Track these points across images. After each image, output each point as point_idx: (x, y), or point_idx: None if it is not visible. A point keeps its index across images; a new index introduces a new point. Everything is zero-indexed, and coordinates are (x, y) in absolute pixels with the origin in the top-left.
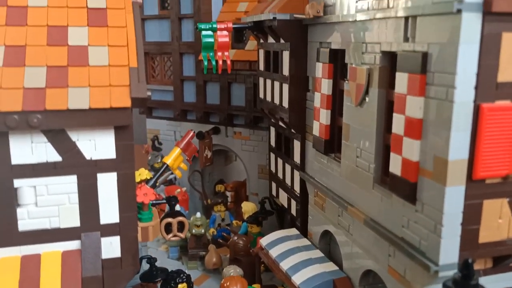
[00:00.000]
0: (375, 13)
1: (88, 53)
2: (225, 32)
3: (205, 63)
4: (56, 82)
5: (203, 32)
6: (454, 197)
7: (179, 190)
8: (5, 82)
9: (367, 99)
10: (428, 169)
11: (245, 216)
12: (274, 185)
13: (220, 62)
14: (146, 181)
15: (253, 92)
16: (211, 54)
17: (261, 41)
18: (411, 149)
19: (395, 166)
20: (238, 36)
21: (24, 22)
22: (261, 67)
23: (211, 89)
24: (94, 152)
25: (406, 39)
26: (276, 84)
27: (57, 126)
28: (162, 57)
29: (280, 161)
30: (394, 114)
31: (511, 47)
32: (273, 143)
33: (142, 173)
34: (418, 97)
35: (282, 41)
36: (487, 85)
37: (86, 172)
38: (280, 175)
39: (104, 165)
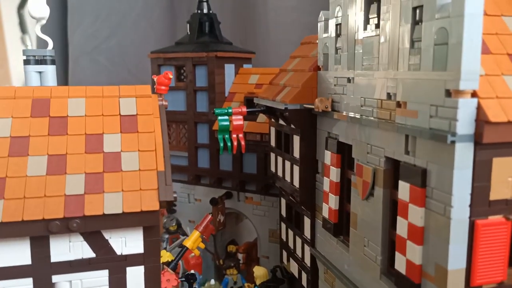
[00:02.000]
0: (379, 123)
1: (121, 159)
2: (239, 116)
3: (221, 144)
4: (93, 188)
5: (220, 117)
6: None
7: (193, 254)
8: (49, 191)
9: (373, 194)
10: (430, 274)
11: (257, 281)
12: (285, 253)
13: (235, 143)
14: (168, 263)
15: (264, 162)
16: (226, 136)
17: (273, 119)
18: (414, 253)
19: (400, 265)
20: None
21: (65, 132)
22: (273, 143)
23: (224, 156)
24: (125, 248)
25: (407, 152)
26: (287, 163)
27: (93, 229)
28: (178, 124)
29: (291, 232)
30: (398, 218)
31: (501, 170)
32: (284, 213)
33: (164, 256)
34: (419, 207)
35: (292, 126)
36: (481, 204)
37: (116, 267)
38: (291, 245)
39: (133, 260)
